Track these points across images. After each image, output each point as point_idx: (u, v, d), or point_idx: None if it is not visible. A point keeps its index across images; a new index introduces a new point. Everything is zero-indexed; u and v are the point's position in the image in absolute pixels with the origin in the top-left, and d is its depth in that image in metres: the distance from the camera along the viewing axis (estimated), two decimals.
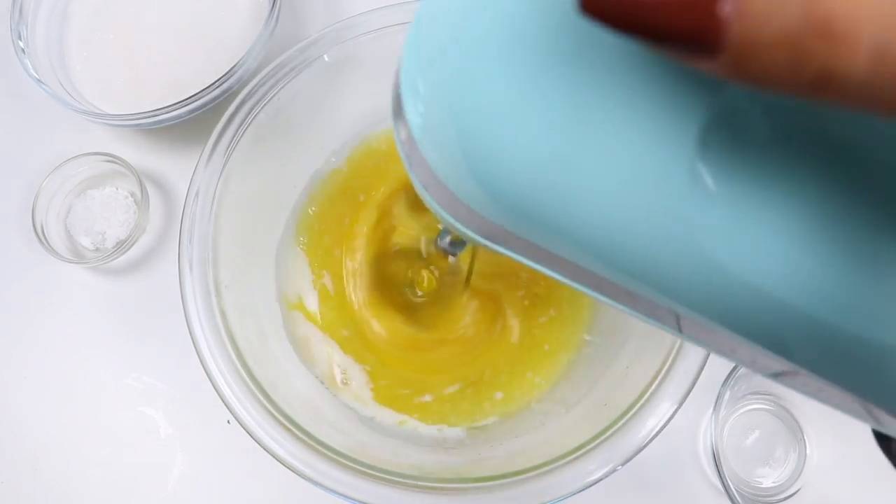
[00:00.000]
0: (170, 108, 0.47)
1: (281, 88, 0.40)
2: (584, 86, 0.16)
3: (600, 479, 0.33)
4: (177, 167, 0.52)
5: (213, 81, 0.47)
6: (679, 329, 0.20)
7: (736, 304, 0.17)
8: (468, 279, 0.45)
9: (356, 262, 0.46)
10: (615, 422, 0.35)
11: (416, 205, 0.45)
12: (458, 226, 0.22)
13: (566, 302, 0.45)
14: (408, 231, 0.46)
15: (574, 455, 0.34)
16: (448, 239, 0.38)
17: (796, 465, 0.45)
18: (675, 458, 0.45)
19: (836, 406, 0.20)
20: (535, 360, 0.44)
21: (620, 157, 0.16)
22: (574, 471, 0.34)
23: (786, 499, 0.45)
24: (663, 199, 0.16)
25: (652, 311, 0.20)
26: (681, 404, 0.34)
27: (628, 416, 0.35)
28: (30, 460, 0.46)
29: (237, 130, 0.39)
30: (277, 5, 0.49)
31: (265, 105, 0.40)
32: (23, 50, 0.49)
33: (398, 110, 0.21)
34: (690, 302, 0.18)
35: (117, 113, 0.49)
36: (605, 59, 0.16)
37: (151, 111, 0.47)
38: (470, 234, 0.22)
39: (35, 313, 0.49)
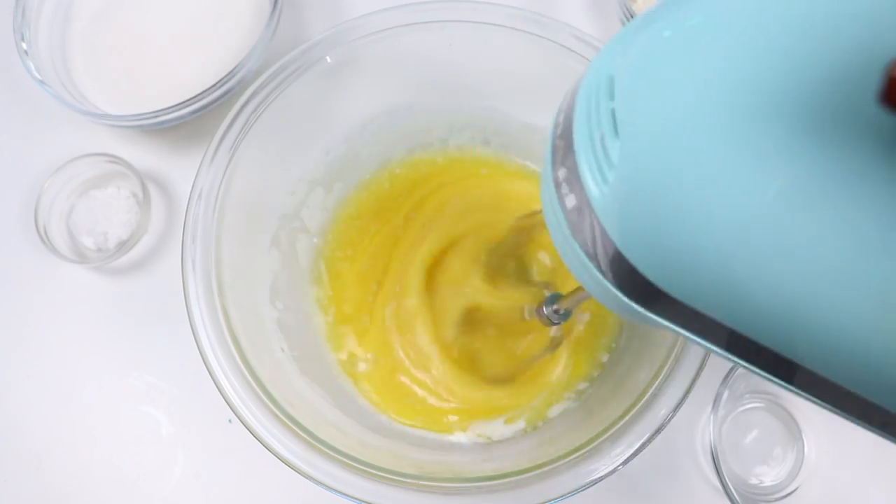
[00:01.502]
0: (172, 109, 0.47)
1: (285, 89, 0.40)
2: (806, 169, 0.16)
3: (601, 479, 0.34)
4: (179, 168, 0.52)
5: (214, 82, 0.47)
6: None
7: None
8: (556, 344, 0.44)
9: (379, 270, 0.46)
10: (616, 421, 0.35)
11: (505, 268, 0.44)
12: (614, 291, 0.21)
13: (597, 330, 0.45)
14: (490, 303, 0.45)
15: (576, 454, 0.34)
16: (555, 307, 0.37)
17: (794, 464, 0.46)
18: (673, 457, 0.45)
19: None
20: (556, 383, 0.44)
21: (838, 248, 0.16)
22: (576, 470, 0.34)
23: (784, 497, 0.45)
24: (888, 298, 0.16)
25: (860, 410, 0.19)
26: (681, 404, 0.34)
27: (629, 415, 0.35)
28: (32, 459, 0.47)
29: (241, 131, 0.40)
30: (279, 7, 0.49)
31: (269, 106, 0.40)
32: (26, 52, 0.49)
33: (567, 175, 0.20)
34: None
35: (119, 114, 0.49)
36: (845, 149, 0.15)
37: (153, 112, 0.47)
38: (632, 304, 0.21)
39: (37, 313, 0.49)
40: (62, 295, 0.50)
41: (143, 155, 0.52)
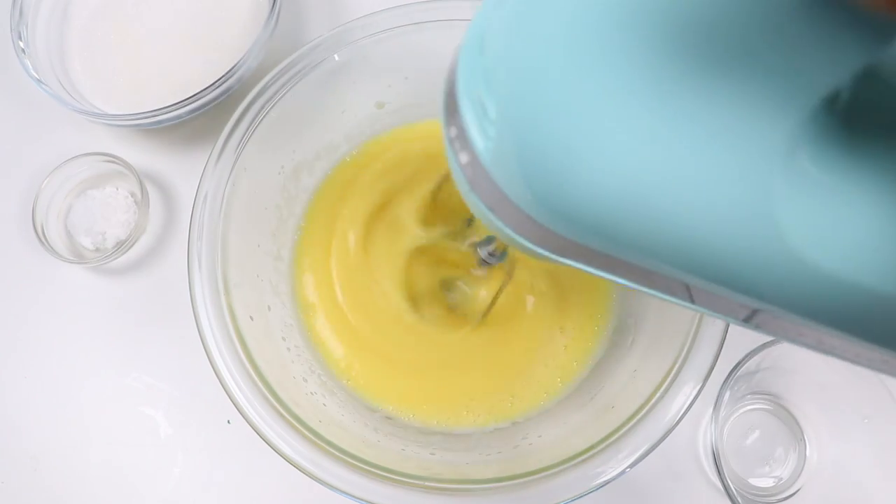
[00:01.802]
0: (170, 109, 0.47)
1: (290, 88, 0.40)
2: (679, 91, 0.16)
3: (609, 482, 0.34)
4: (177, 167, 0.52)
5: (213, 81, 0.47)
6: (755, 324, 0.20)
7: (813, 291, 0.17)
8: (499, 291, 0.44)
9: (372, 264, 0.46)
10: (623, 424, 0.35)
11: (440, 212, 0.45)
12: (527, 244, 0.21)
13: (587, 302, 0.45)
14: (431, 236, 0.45)
15: (582, 457, 0.34)
16: (489, 249, 0.38)
17: (796, 465, 0.46)
18: (675, 458, 0.45)
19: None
20: (551, 363, 0.44)
21: (711, 166, 0.16)
22: (582, 472, 0.34)
23: (786, 499, 0.45)
24: (752, 204, 0.17)
25: (725, 307, 0.20)
26: (689, 408, 0.34)
27: (636, 418, 0.35)
28: (30, 460, 0.46)
29: (247, 130, 0.40)
30: (278, 6, 0.49)
31: (275, 105, 0.40)
32: (23, 50, 0.49)
33: (457, 133, 0.21)
34: (768, 295, 0.18)
35: (117, 113, 0.49)
36: (702, 67, 0.16)
37: (152, 111, 0.47)
38: (539, 250, 0.21)
39: (35, 313, 0.49)
40: (60, 295, 0.49)
41: (142, 154, 0.51)
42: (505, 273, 0.44)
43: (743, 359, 0.43)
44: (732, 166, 0.16)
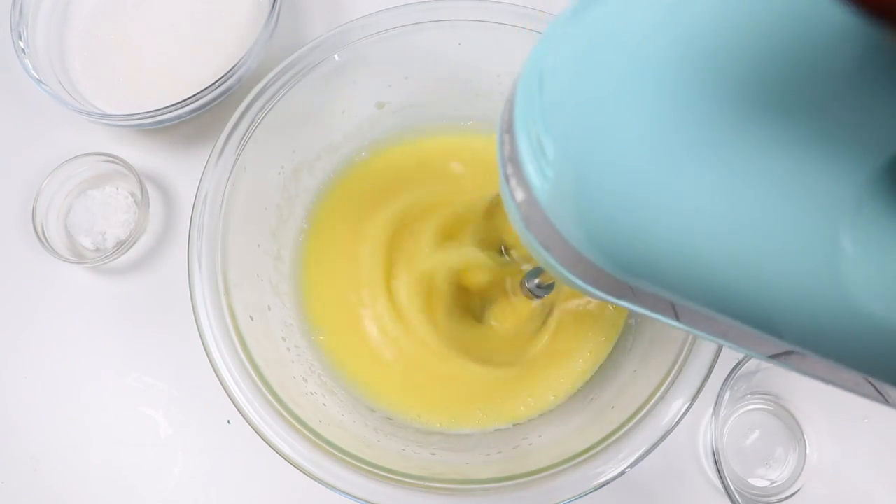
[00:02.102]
0: (170, 109, 0.47)
1: (291, 88, 0.40)
2: (746, 142, 0.16)
3: (608, 482, 0.34)
4: (177, 167, 0.52)
5: (213, 81, 0.47)
6: (784, 361, 0.20)
7: (867, 341, 0.17)
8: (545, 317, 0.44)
9: (399, 277, 0.45)
10: (623, 424, 0.35)
11: (485, 237, 0.44)
12: (584, 285, 0.21)
13: (596, 315, 0.45)
14: (474, 269, 0.44)
15: (582, 457, 0.34)
16: (536, 282, 0.38)
17: (796, 465, 0.46)
18: (675, 458, 0.45)
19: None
20: (556, 369, 0.44)
21: (776, 221, 0.16)
22: (582, 473, 0.34)
23: (786, 499, 0.45)
24: (816, 260, 0.16)
25: (759, 346, 0.20)
26: (689, 408, 0.34)
27: (636, 418, 0.35)
28: (30, 460, 0.46)
29: (247, 129, 0.40)
30: (277, 6, 0.49)
31: (275, 105, 0.40)
32: (23, 50, 0.49)
33: (514, 171, 0.20)
34: (828, 349, 0.18)
35: (117, 113, 0.48)
36: (769, 120, 0.15)
37: (152, 111, 0.47)
38: (592, 290, 0.21)
39: (35, 313, 0.49)
40: (60, 295, 0.49)
41: (142, 154, 0.51)
42: (542, 315, 0.43)
43: (743, 359, 0.43)
44: (799, 221, 0.16)
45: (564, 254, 0.20)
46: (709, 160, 0.16)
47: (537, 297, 0.39)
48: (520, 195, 0.20)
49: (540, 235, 0.21)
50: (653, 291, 0.19)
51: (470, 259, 0.43)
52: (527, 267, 0.40)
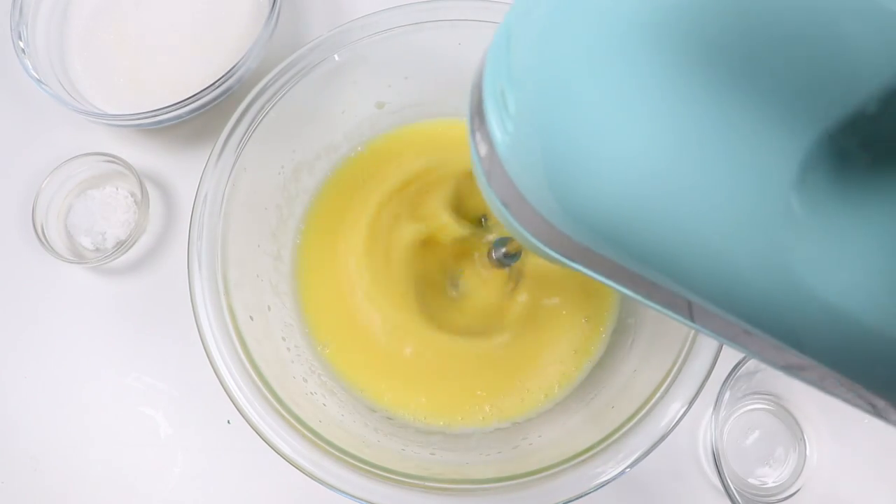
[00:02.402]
0: (170, 109, 0.47)
1: (291, 88, 0.40)
2: (698, 103, 0.16)
3: (609, 482, 0.34)
4: (177, 167, 0.52)
5: (213, 81, 0.47)
6: (747, 349, 0.20)
7: (814, 324, 0.17)
8: (514, 287, 0.44)
9: (379, 259, 0.45)
10: (623, 424, 0.35)
11: (461, 209, 0.45)
12: (538, 244, 0.22)
13: (591, 305, 0.45)
14: (444, 234, 0.45)
15: (582, 457, 0.34)
16: (503, 251, 0.38)
17: (796, 465, 0.46)
18: (675, 458, 0.45)
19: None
20: (552, 362, 0.44)
21: (722, 180, 0.16)
22: (582, 472, 0.34)
23: (786, 499, 0.45)
24: (759, 226, 0.17)
25: (721, 328, 0.20)
26: (689, 408, 0.34)
27: (636, 418, 0.35)
28: (29, 461, 0.46)
29: (247, 130, 0.40)
30: (278, 6, 0.49)
31: (275, 105, 0.40)
32: (23, 50, 0.49)
33: (479, 125, 0.21)
34: (767, 323, 0.18)
35: (117, 113, 0.48)
36: (723, 80, 0.15)
37: (151, 111, 0.47)
38: (549, 252, 0.21)
39: (35, 313, 0.49)
40: (60, 295, 0.49)
41: (142, 154, 0.51)
42: (512, 280, 0.43)
43: (743, 358, 0.43)
44: (745, 181, 0.16)
45: (521, 210, 0.21)
46: (661, 112, 0.16)
47: (505, 265, 0.40)
48: (483, 149, 0.21)
49: (500, 191, 0.21)
50: (604, 254, 0.20)
51: (445, 226, 0.44)
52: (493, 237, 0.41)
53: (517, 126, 0.19)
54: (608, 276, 0.21)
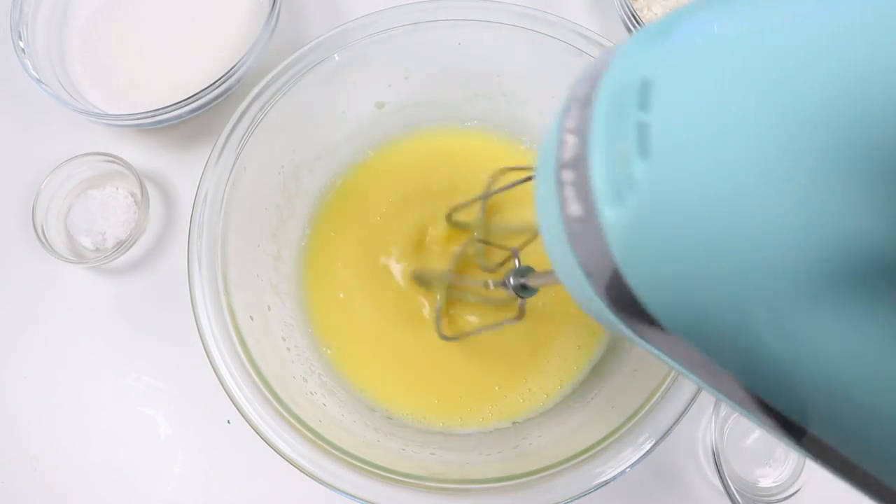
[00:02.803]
0: (170, 108, 0.47)
1: (291, 87, 0.40)
2: None
3: (609, 482, 0.34)
4: (177, 167, 0.52)
5: (213, 81, 0.47)
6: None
7: None
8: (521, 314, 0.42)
9: (381, 265, 0.45)
10: (623, 424, 0.35)
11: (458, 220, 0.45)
12: (616, 322, 0.19)
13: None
14: (441, 240, 0.45)
15: (582, 457, 0.34)
16: (521, 283, 0.35)
17: (796, 465, 0.45)
18: (675, 457, 0.45)
19: None
20: (552, 363, 0.44)
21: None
22: (582, 472, 0.34)
23: (786, 499, 0.45)
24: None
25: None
26: (689, 408, 0.34)
27: (636, 418, 0.35)
28: (29, 461, 0.46)
29: (247, 129, 0.40)
30: (277, 6, 0.49)
31: (275, 104, 0.40)
32: (23, 50, 0.49)
33: (576, 181, 0.17)
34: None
35: (117, 113, 0.48)
36: None
37: (151, 111, 0.47)
38: (624, 331, 0.19)
39: (34, 313, 0.49)
40: (60, 295, 0.49)
41: (142, 154, 0.51)
42: (519, 310, 0.42)
43: None
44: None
45: (604, 280, 0.18)
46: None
47: (519, 296, 0.36)
48: (575, 209, 0.17)
49: (586, 260, 0.18)
50: (699, 351, 0.17)
51: (441, 234, 0.45)
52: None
53: (643, 203, 0.15)
54: (688, 368, 0.18)
